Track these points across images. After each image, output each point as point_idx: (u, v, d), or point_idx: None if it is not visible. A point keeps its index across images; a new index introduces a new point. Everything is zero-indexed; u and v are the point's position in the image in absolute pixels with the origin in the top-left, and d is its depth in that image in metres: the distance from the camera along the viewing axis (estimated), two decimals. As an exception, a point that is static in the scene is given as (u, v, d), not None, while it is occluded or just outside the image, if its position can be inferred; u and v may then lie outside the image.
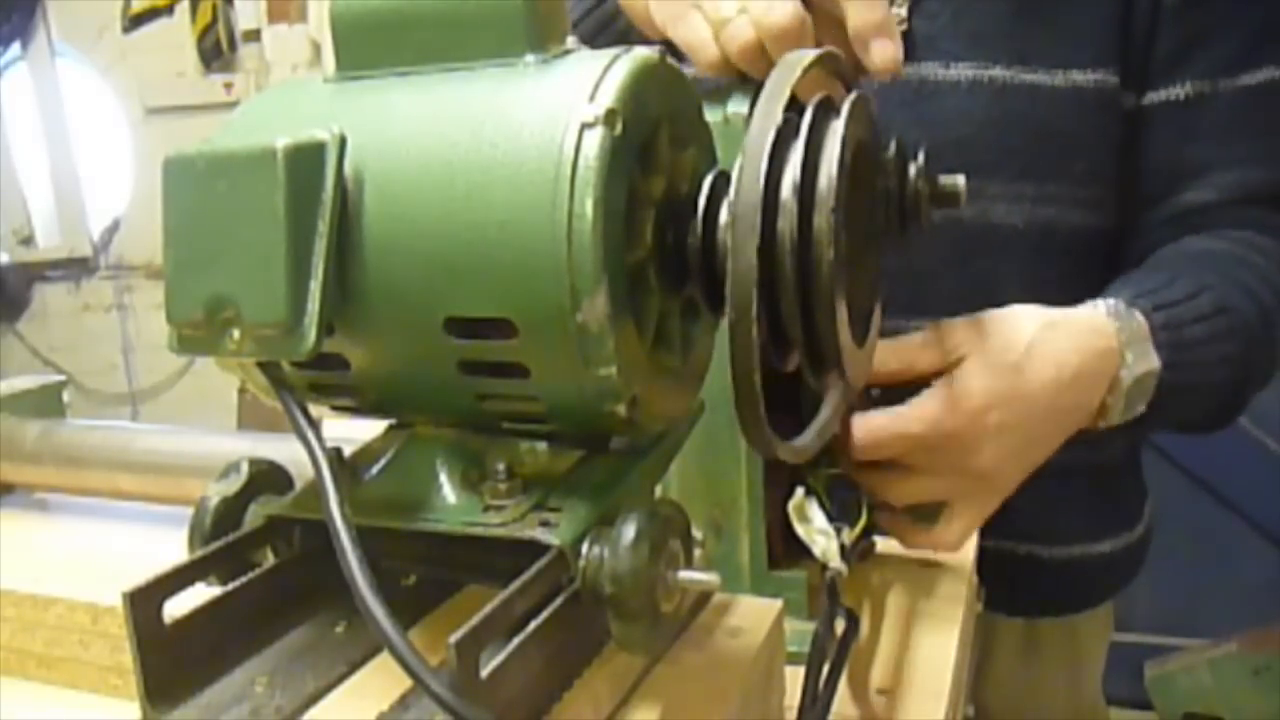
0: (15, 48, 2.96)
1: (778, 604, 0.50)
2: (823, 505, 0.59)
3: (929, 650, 0.62)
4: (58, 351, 3.13)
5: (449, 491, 0.42)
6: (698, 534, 0.42)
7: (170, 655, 0.38)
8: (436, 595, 0.46)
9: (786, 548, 0.61)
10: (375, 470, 0.44)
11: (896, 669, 0.60)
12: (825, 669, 0.52)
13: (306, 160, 0.37)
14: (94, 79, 2.97)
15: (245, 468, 0.43)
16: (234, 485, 0.43)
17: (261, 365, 0.39)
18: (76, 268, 3.12)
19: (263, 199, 0.36)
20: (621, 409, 0.39)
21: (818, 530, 0.58)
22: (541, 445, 0.43)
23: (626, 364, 0.38)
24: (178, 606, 0.39)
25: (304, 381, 0.43)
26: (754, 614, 0.48)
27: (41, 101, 3.01)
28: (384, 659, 0.39)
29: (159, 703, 0.37)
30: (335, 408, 0.45)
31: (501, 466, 0.41)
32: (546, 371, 0.38)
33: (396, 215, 0.38)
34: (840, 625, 0.56)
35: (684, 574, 0.39)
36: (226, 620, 0.40)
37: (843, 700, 0.56)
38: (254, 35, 2.75)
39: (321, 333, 0.37)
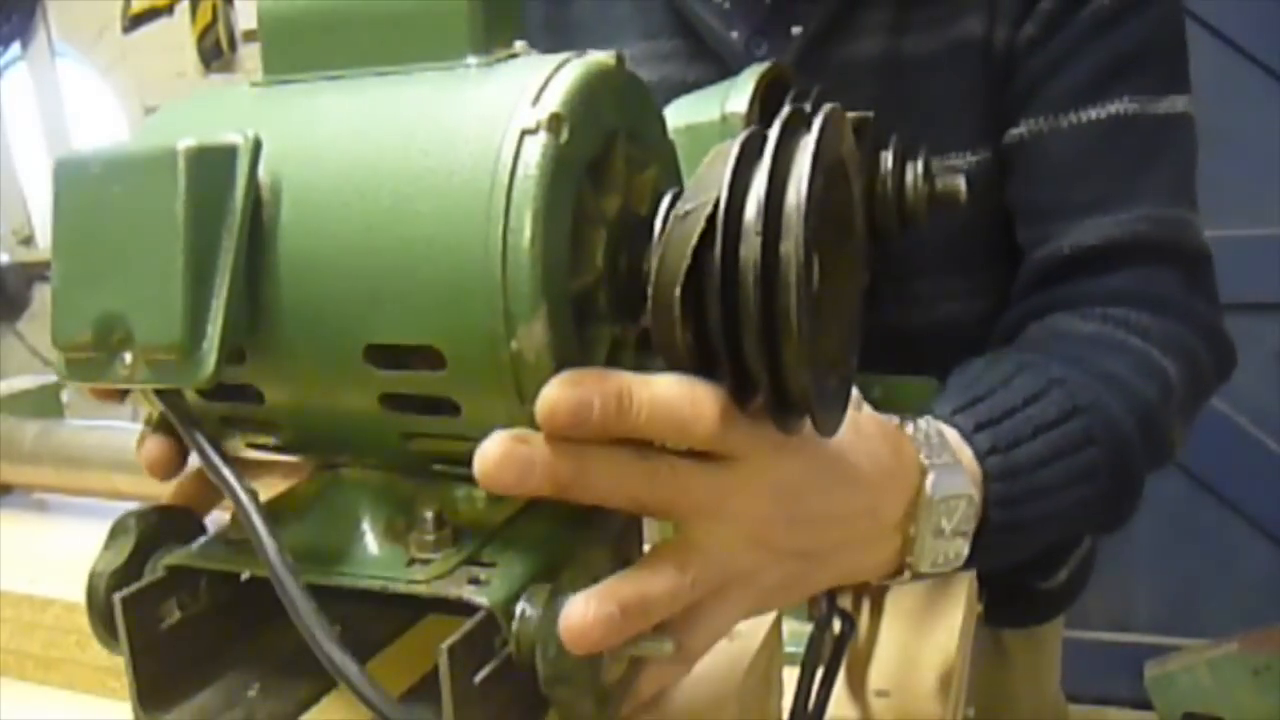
0: (15, 48, 2.93)
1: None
2: None
3: (929, 651, 0.61)
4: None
5: (370, 542, 0.38)
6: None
7: (163, 660, 0.37)
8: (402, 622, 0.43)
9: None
10: (295, 516, 0.39)
11: (897, 670, 0.59)
12: (820, 671, 0.50)
13: (213, 164, 0.33)
14: (94, 79, 2.94)
15: (133, 525, 0.39)
16: (122, 554, 0.38)
17: (160, 394, 0.35)
18: (77, 267, 3.07)
19: (161, 206, 0.32)
20: (564, 452, 0.35)
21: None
22: (479, 490, 0.39)
23: (569, 401, 0.34)
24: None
25: (214, 415, 0.38)
26: (751, 616, 0.46)
27: (41, 101, 2.97)
28: (375, 665, 0.40)
29: (151, 707, 0.37)
30: (251, 445, 0.41)
31: (430, 514, 0.36)
32: (478, 407, 0.34)
33: (315, 229, 0.34)
34: (836, 627, 0.54)
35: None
36: (219, 625, 0.39)
37: (843, 702, 0.55)
38: (254, 35, 2.73)
39: (223, 358, 0.33)
